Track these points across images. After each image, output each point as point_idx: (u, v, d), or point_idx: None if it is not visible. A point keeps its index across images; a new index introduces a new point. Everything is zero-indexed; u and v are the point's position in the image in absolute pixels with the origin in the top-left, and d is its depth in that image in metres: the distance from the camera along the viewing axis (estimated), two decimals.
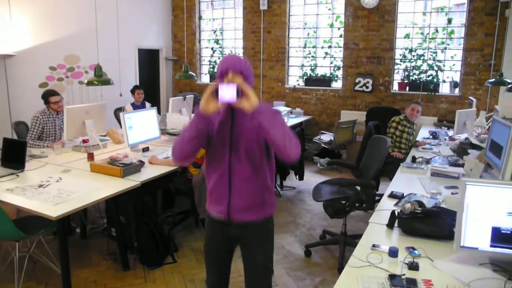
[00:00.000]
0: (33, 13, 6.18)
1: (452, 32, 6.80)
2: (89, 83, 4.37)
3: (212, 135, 1.86)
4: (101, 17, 6.76)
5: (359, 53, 7.34)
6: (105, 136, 4.59)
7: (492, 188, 1.74)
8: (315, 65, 7.90)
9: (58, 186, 2.98)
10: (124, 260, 3.39)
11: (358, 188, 3.64)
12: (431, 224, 2.09)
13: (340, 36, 7.52)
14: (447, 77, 6.94)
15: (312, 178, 5.96)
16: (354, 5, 7.23)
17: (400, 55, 7.15)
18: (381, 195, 2.95)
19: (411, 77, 7.09)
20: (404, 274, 1.70)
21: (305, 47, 7.92)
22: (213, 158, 1.91)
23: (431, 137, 5.25)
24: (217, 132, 1.86)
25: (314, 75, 7.91)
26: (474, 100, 5.62)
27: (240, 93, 1.65)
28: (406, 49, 7.07)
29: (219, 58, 8.83)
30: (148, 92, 7.20)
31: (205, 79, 9.07)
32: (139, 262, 3.48)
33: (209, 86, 1.67)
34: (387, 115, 5.78)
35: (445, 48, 6.86)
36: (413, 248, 1.94)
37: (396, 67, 7.23)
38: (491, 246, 1.75)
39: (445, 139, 4.99)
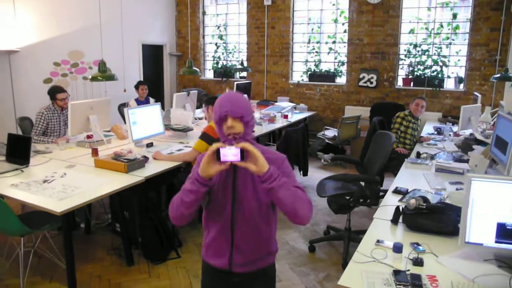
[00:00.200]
0: (37, 9, 6.19)
1: (457, 27, 6.74)
2: (93, 78, 4.37)
3: (212, 189, 1.67)
4: (105, 13, 6.76)
5: (363, 48, 7.30)
6: (109, 131, 4.60)
7: (497, 184, 1.73)
8: (319, 61, 7.87)
9: (62, 181, 2.99)
10: (128, 255, 3.40)
11: (362, 183, 3.63)
12: (436, 220, 2.08)
13: (345, 31, 7.48)
14: (452, 73, 6.89)
15: (316, 174, 5.96)
16: (359, 0, 7.19)
17: (405, 50, 7.10)
18: (385, 191, 2.95)
19: (415, 73, 7.05)
20: (408, 270, 1.69)
21: (309, 42, 7.89)
22: (213, 210, 1.71)
23: (435, 132, 5.23)
24: (218, 184, 1.66)
25: (318, 70, 7.88)
26: (479, 95, 5.59)
27: (245, 154, 1.46)
28: (410, 44, 7.03)
29: (223, 54, 8.81)
30: (152, 87, 7.20)
31: (209, 74, 9.06)
32: (143, 257, 3.50)
33: (210, 149, 1.48)
34: (391, 111, 5.76)
35: (450, 44, 6.81)
36: (418, 244, 1.93)
37: (400, 62, 7.19)
38: (496, 242, 1.74)
39: (450, 134, 4.97)
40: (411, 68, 7.09)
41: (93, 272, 3.30)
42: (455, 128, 5.33)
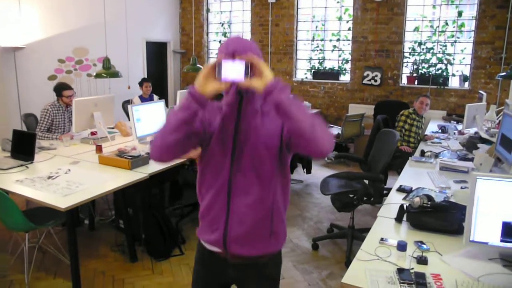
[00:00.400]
0: (42, 6, 6.20)
1: (462, 25, 6.71)
2: (98, 75, 4.39)
3: (209, 135, 1.44)
4: (110, 10, 6.77)
5: (367, 46, 7.28)
6: (113, 128, 4.61)
7: (503, 182, 1.72)
8: (323, 58, 7.85)
9: (67, 177, 3.00)
10: (131, 252, 3.42)
11: (366, 182, 3.62)
12: (440, 218, 2.07)
13: (349, 29, 7.46)
14: (457, 71, 6.86)
15: (319, 172, 5.95)
16: None
17: (409, 48, 7.07)
18: (389, 189, 2.94)
19: (420, 71, 7.02)
20: (412, 268, 1.69)
21: (313, 40, 7.87)
22: (209, 168, 1.47)
23: (440, 131, 5.21)
24: (217, 132, 1.43)
25: (322, 68, 7.86)
26: (484, 94, 5.56)
27: (249, 70, 1.25)
28: (415, 42, 7.00)
29: None
30: (156, 84, 7.20)
31: None
32: (147, 254, 3.51)
33: (207, 65, 1.29)
34: (395, 109, 5.73)
35: (455, 42, 6.78)
36: (422, 242, 1.93)
37: (405, 60, 7.16)
38: (502, 241, 1.73)
39: (454, 133, 4.95)
40: (415, 66, 7.06)
41: (97, 268, 3.31)
42: (459, 127, 5.31)
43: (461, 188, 2.80)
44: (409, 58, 7.13)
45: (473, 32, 6.59)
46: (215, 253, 1.52)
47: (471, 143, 4.04)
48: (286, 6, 7.87)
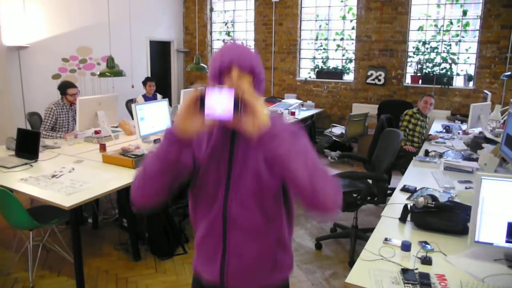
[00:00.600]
0: (46, 5, 6.22)
1: (467, 24, 6.68)
2: (102, 74, 4.40)
3: (199, 164, 1.24)
4: (114, 9, 6.77)
5: (371, 45, 7.26)
6: (117, 127, 4.61)
7: (508, 182, 1.71)
8: (327, 58, 7.83)
9: (71, 176, 3.01)
10: (135, 251, 3.42)
11: (370, 181, 3.61)
12: (445, 218, 2.06)
13: (353, 28, 7.44)
14: (461, 70, 6.83)
15: None
16: None
17: (413, 47, 7.05)
18: (392, 189, 2.93)
19: (424, 70, 6.99)
20: (417, 269, 1.68)
21: (316, 39, 7.86)
22: (200, 198, 1.29)
23: (444, 130, 5.19)
24: (207, 160, 1.23)
25: (325, 67, 7.84)
26: (489, 93, 5.53)
27: (240, 105, 1.02)
28: (419, 41, 6.97)
29: None
30: (159, 84, 7.21)
31: None
32: (150, 253, 3.52)
33: (190, 93, 1.06)
34: (399, 109, 5.72)
35: (460, 41, 6.75)
36: (426, 243, 1.92)
37: (409, 60, 7.13)
38: (507, 241, 1.72)
39: (459, 133, 4.92)
40: (419, 66, 7.03)
41: (100, 266, 3.32)
42: (464, 126, 5.28)
43: (466, 188, 2.79)
44: (413, 57, 7.10)
45: (477, 31, 6.55)
46: (212, 285, 1.35)
47: (476, 143, 4.02)
48: (289, 5, 7.86)
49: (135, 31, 7.66)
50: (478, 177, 1.73)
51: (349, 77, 7.71)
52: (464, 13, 6.61)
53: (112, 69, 4.37)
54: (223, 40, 8.78)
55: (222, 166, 1.23)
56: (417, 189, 2.72)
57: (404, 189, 2.74)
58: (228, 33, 8.73)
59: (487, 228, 1.74)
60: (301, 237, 3.90)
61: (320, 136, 7.27)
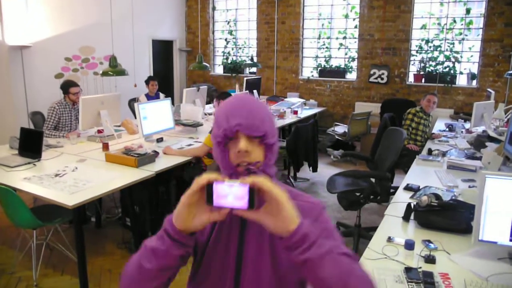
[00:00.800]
0: (48, 5, 6.23)
1: (470, 22, 6.64)
2: (104, 73, 4.40)
3: (200, 248, 1.05)
4: (116, 8, 6.78)
5: (374, 44, 7.24)
6: (119, 126, 4.62)
7: None
8: (330, 56, 7.82)
9: (74, 175, 3.02)
10: (138, 250, 3.42)
11: (373, 180, 3.61)
12: (448, 217, 2.06)
13: (355, 27, 7.42)
14: (465, 69, 6.80)
15: (325, 170, 5.93)
16: None
17: (416, 46, 7.02)
18: (395, 188, 2.92)
19: (427, 69, 6.97)
20: (420, 267, 1.68)
21: (319, 38, 7.84)
22: (202, 286, 1.08)
23: (447, 129, 5.17)
24: (211, 246, 1.04)
25: (328, 66, 7.83)
26: (493, 92, 5.51)
27: (255, 197, 0.85)
28: (422, 40, 6.94)
29: (232, 49, 8.79)
30: (162, 83, 7.22)
31: (219, 70, 9.06)
32: None
33: (196, 182, 0.87)
34: (402, 107, 5.70)
35: (463, 39, 6.72)
36: (430, 241, 1.91)
37: (412, 58, 7.11)
38: (511, 240, 1.72)
39: (462, 131, 4.91)
40: (422, 64, 7.01)
41: (103, 265, 3.33)
42: (467, 125, 5.27)
43: (469, 187, 2.78)
44: (416, 56, 7.07)
45: (481, 30, 6.52)
46: None
47: (479, 142, 4.00)
48: (292, 4, 7.85)
49: (138, 30, 7.66)
50: (482, 175, 1.72)
51: (351, 76, 7.70)
52: (468, 11, 6.58)
53: (115, 68, 4.37)
54: (226, 39, 8.77)
55: (228, 255, 1.02)
56: (420, 187, 2.72)
57: (407, 188, 2.73)
58: (230, 32, 8.72)
59: (491, 226, 1.73)
60: None
61: (322, 135, 7.26)
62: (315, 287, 0.88)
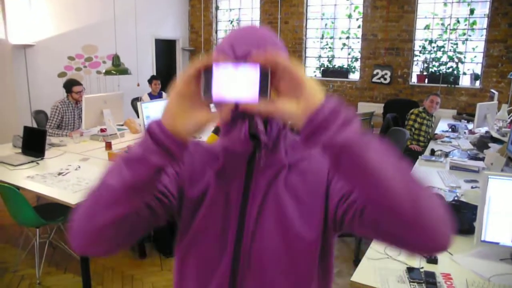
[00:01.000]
0: (51, 4, 6.25)
1: (474, 23, 6.63)
2: (107, 72, 4.42)
3: (191, 205, 0.85)
4: (119, 7, 6.80)
5: (377, 44, 7.23)
6: (122, 125, 4.63)
7: None
8: (333, 56, 7.81)
9: (77, 174, 3.03)
10: (141, 248, 3.43)
11: None
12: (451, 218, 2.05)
13: (358, 27, 7.41)
14: (468, 69, 6.78)
15: None
16: None
17: (420, 46, 7.01)
18: None
19: (430, 69, 6.95)
20: (422, 267, 1.68)
21: (322, 38, 7.84)
22: (193, 259, 0.88)
23: (450, 130, 5.16)
24: (207, 203, 0.84)
25: (331, 66, 7.82)
26: (496, 93, 5.49)
27: (267, 81, 0.65)
28: (426, 40, 6.93)
29: None
30: (165, 82, 7.23)
31: None
32: (156, 250, 3.53)
33: (191, 65, 0.66)
34: (405, 108, 5.70)
35: (466, 40, 6.70)
36: None
37: (415, 58, 7.10)
38: None
39: (465, 132, 4.90)
40: (426, 65, 7.00)
41: (106, 263, 3.34)
42: (470, 126, 5.26)
43: (472, 187, 2.77)
44: (419, 56, 7.06)
45: (485, 30, 6.51)
46: None
47: (482, 143, 4.00)
48: (295, 3, 7.85)
49: (141, 30, 7.68)
50: (484, 176, 1.72)
51: (354, 76, 7.69)
52: (471, 11, 6.56)
53: (118, 67, 4.39)
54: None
55: (230, 214, 0.83)
56: None
57: None
58: None
59: (494, 227, 1.73)
60: None
61: None
62: (371, 201, 0.64)
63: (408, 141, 4.58)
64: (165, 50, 8.79)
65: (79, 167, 3.21)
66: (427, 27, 6.91)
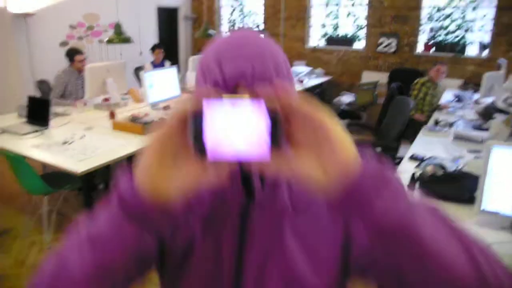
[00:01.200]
0: None
1: None
2: (110, 41, 4.38)
3: (180, 250, 0.69)
4: None
5: (383, 12, 7.06)
6: (126, 94, 4.62)
7: None
8: (337, 25, 7.66)
9: (82, 143, 3.05)
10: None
11: (378, 150, 3.61)
12: (452, 187, 2.07)
13: None
14: (476, 38, 6.64)
15: None
16: None
17: (427, 14, 6.84)
18: (400, 158, 2.93)
19: (437, 38, 6.82)
20: None
21: (327, 5, 7.66)
22: None
23: (455, 100, 5.12)
24: (198, 244, 0.68)
25: (336, 34, 7.68)
26: (505, 61, 5.39)
27: (277, 126, 0.47)
28: (433, 7, 6.76)
29: (239, 17, 8.62)
30: (167, 51, 7.15)
31: None
32: None
33: (174, 108, 0.50)
34: (410, 77, 5.62)
35: (475, 8, 6.53)
36: None
37: (422, 27, 6.95)
38: None
39: (470, 102, 4.86)
40: (433, 33, 6.86)
41: None
42: (476, 96, 5.20)
43: (475, 158, 2.78)
44: (426, 24, 6.91)
45: None
46: None
47: (487, 113, 3.97)
48: None
49: None
50: (488, 145, 1.72)
51: (359, 45, 7.56)
52: None
53: (120, 36, 4.34)
54: (231, 6, 8.58)
55: (224, 255, 0.67)
56: (425, 158, 2.72)
57: (413, 158, 2.74)
58: None
59: (495, 197, 1.75)
60: None
61: (329, 104, 7.22)
62: (419, 276, 0.51)
63: (412, 110, 4.56)
64: (167, 19, 8.64)
65: (84, 136, 3.23)
66: None
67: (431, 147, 3.01)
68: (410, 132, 4.31)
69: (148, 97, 3.97)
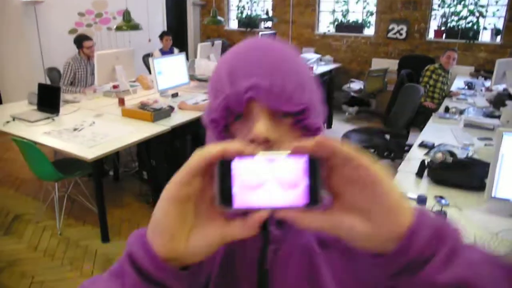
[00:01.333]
0: None
1: None
2: (118, 28, 4.37)
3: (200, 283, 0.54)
4: None
5: None
6: (134, 81, 4.64)
7: None
8: (347, 11, 7.56)
9: (91, 130, 3.08)
10: (156, 201, 3.53)
11: (387, 137, 3.60)
12: (462, 174, 2.06)
13: None
14: (489, 24, 6.51)
15: (340, 127, 5.91)
16: None
17: None
18: (410, 145, 2.92)
19: (449, 24, 6.70)
20: None
21: None
22: None
23: (466, 87, 5.05)
24: (214, 279, 0.60)
25: (345, 21, 7.59)
26: None
27: (318, 180, 0.42)
28: None
29: (247, 3, 8.54)
30: (176, 37, 7.13)
31: (233, 24, 8.87)
32: None
33: (196, 154, 0.43)
34: (420, 64, 5.56)
35: None
36: (442, 197, 1.93)
37: (433, 13, 6.83)
38: None
39: (482, 89, 4.79)
40: (444, 19, 6.74)
41: (122, 216, 3.46)
42: (487, 83, 5.13)
43: (485, 145, 2.76)
44: (437, 10, 6.79)
45: None
46: None
47: (499, 100, 3.92)
48: None
49: None
50: (499, 132, 1.71)
51: (369, 31, 7.46)
52: None
53: (129, 23, 4.33)
54: (240, 7, 8.50)
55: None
56: (435, 145, 2.71)
57: (422, 145, 2.72)
58: None
59: (505, 184, 1.74)
60: None
61: (338, 91, 7.17)
62: None
63: (422, 97, 4.51)
64: (176, 5, 8.59)
65: (94, 123, 3.26)
66: None
67: (441, 134, 2.99)
68: (420, 119, 4.28)
69: (157, 84, 3.98)
